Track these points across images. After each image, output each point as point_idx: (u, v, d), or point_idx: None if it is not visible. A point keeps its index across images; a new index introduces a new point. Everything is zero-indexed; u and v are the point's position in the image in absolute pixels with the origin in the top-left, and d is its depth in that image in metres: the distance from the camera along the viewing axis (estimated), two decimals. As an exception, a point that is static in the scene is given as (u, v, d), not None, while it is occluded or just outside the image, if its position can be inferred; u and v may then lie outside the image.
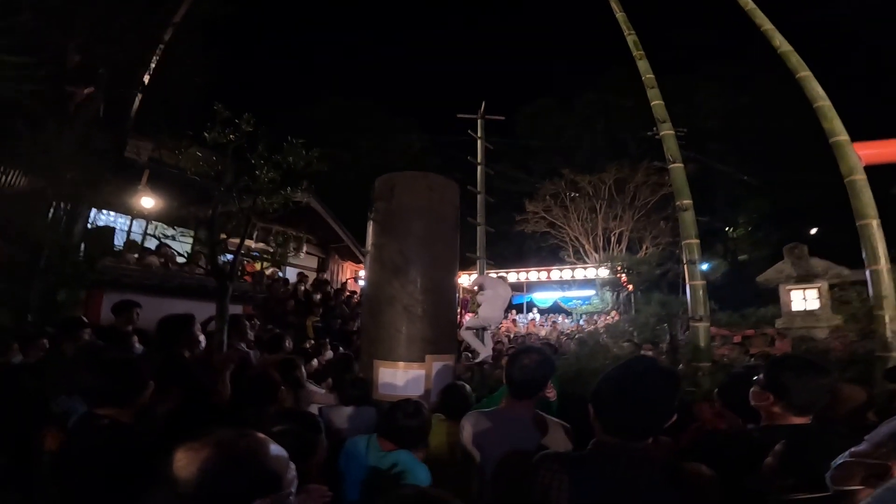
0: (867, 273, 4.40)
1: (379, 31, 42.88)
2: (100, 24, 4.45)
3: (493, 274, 12.05)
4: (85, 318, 3.27)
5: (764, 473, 1.31)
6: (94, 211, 6.05)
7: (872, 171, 4.86)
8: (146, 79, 5.55)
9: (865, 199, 4.44)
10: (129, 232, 8.25)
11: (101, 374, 1.70)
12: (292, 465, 1.00)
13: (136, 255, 6.24)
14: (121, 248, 6.39)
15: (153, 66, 5.53)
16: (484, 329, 6.21)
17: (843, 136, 4.68)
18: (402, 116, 24.66)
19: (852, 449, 0.92)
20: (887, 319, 4.21)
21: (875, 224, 4.36)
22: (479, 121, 9.84)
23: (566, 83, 27.23)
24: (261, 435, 0.98)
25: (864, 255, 4.41)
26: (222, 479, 0.86)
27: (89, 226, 5.82)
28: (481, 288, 5.89)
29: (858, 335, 5.33)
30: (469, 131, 9.75)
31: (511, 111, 21.76)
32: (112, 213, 7.69)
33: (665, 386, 1.32)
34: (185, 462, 0.86)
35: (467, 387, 2.79)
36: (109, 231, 6.55)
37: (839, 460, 0.93)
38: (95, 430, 1.58)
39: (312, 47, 39.93)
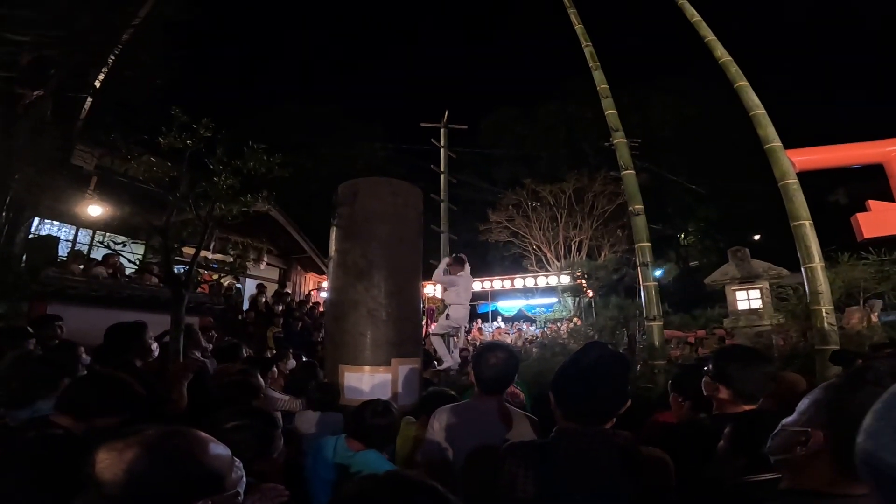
0: (803, 270, 4.70)
1: (342, 39, 42.74)
2: (61, 23, 4.21)
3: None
4: (30, 329, 3.06)
5: (718, 458, 1.36)
6: (36, 220, 5.70)
7: (812, 178, 5.24)
8: (100, 79, 5.29)
9: (798, 202, 4.77)
10: (73, 242, 7.79)
11: (99, 388, 1.69)
12: (238, 464, 0.95)
13: (80, 266, 5.91)
14: (64, 258, 6.03)
15: (108, 67, 5.28)
16: (455, 331, 6.21)
17: (776, 142, 5.03)
18: (366, 125, 24.61)
19: (783, 420, 0.96)
20: (824, 313, 4.49)
21: (808, 225, 4.69)
22: (442, 129, 9.95)
23: (529, 93, 28.02)
24: (199, 433, 0.92)
25: (799, 254, 4.72)
26: (152, 479, 0.81)
27: (31, 235, 5.47)
28: (451, 284, 5.90)
29: (799, 332, 5.69)
30: (432, 140, 9.85)
31: (474, 120, 22.16)
32: (56, 222, 7.26)
33: (617, 368, 1.37)
34: (107, 462, 0.80)
35: (451, 392, 2.80)
36: (53, 240, 6.16)
37: (774, 432, 0.98)
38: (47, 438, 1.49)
39: (276, 54, 39.35)
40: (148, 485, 0.81)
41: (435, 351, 6.05)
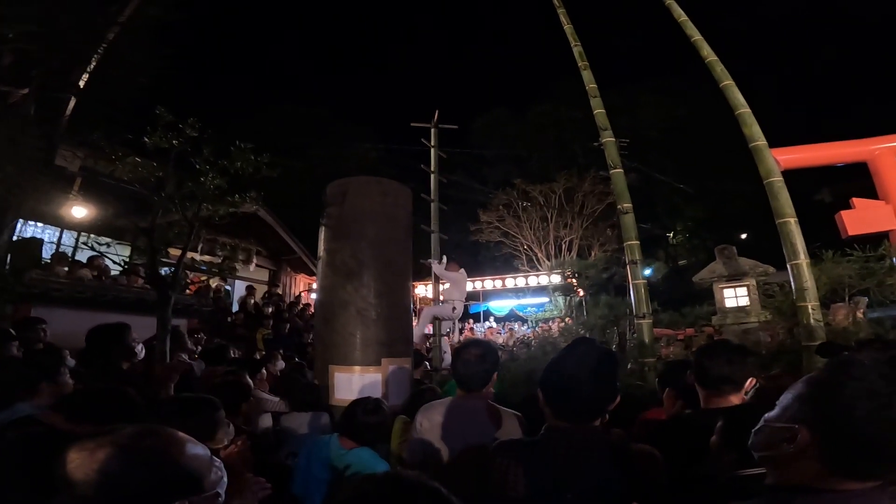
0: (789, 267, 4.75)
1: (334, 39, 42.60)
2: (41, 19, 4.14)
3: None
4: (13, 331, 3.00)
5: (710, 453, 1.37)
6: (19, 222, 5.59)
7: (797, 176, 5.29)
8: (84, 78, 5.21)
9: (783, 199, 4.82)
10: (58, 244, 7.67)
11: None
12: (218, 464, 0.94)
13: (65, 268, 5.82)
14: (49, 260, 5.94)
15: (93, 65, 5.20)
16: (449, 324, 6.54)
17: (761, 140, 5.08)
18: (357, 125, 24.55)
19: (765, 415, 0.93)
20: (810, 310, 4.53)
21: (793, 222, 4.73)
22: (432, 129, 9.91)
23: (520, 94, 28.12)
24: (176, 433, 0.90)
25: (784, 251, 4.77)
26: (125, 479, 0.78)
27: (15, 237, 5.37)
28: (454, 280, 6.18)
29: (785, 328, 5.73)
30: (422, 140, 9.82)
31: (466, 121, 22.17)
32: (40, 224, 7.13)
33: (604, 364, 1.36)
34: (77, 462, 0.78)
35: (438, 390, 2.81)
36: (37, 242, 6.07)
37: (756, 427, 0.94)
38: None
39: (266, 55, 39.09)
40: (121, 485, 0.78)
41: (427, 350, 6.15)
